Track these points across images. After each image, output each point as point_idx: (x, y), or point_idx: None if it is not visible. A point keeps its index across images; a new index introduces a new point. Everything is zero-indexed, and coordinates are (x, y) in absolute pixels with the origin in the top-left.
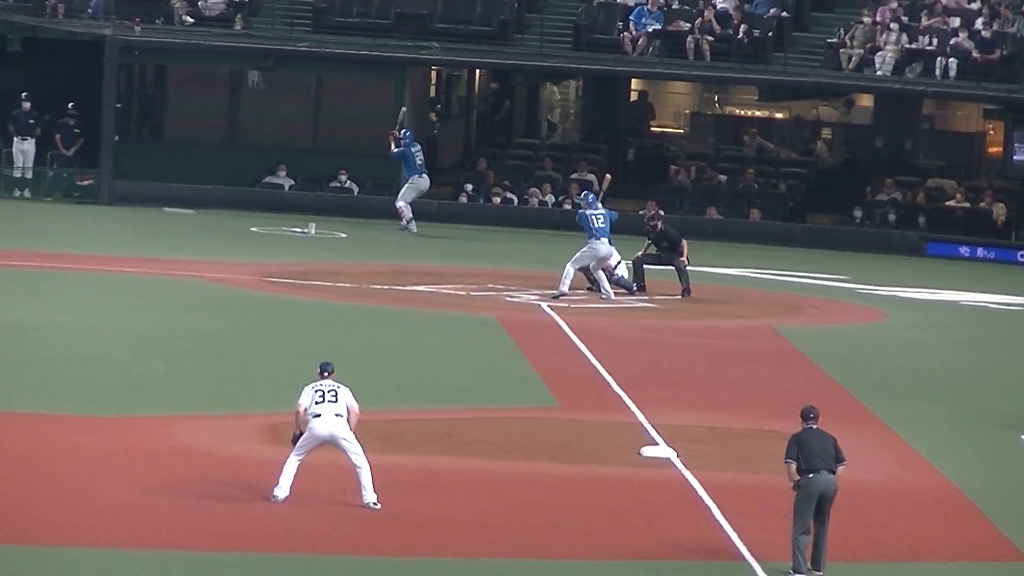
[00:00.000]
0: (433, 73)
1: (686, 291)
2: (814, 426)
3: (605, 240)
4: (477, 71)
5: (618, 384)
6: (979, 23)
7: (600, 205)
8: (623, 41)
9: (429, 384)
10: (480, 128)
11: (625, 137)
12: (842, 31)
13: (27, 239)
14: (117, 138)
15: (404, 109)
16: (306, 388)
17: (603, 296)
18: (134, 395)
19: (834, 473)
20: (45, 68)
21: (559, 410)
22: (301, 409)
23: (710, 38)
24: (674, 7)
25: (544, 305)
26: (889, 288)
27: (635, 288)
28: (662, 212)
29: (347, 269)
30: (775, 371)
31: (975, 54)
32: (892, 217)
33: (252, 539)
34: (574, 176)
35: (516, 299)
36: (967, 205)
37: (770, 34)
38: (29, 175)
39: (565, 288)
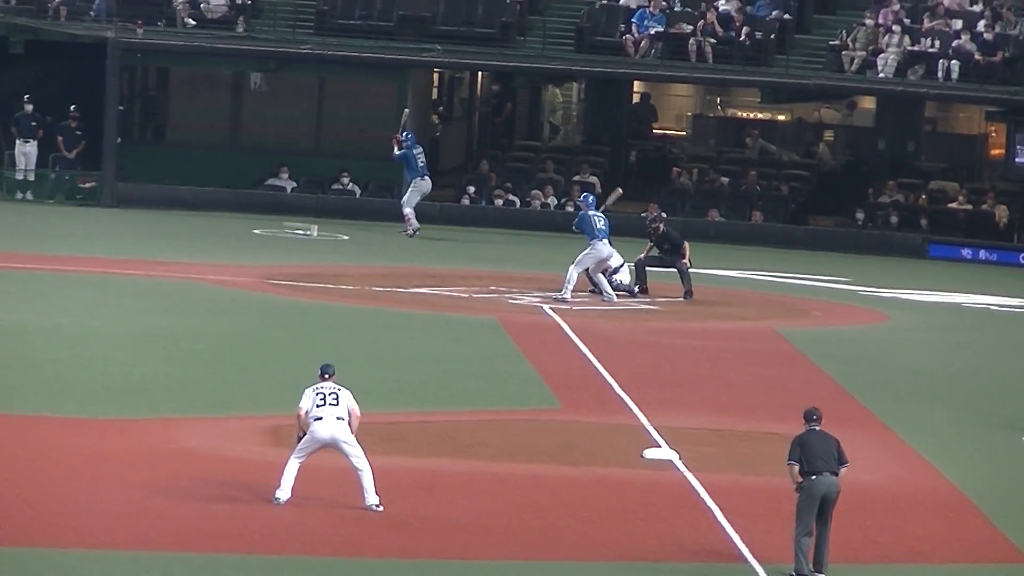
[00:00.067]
0: (435, 75)
1: (688, 293)
2: (817, 428)
3: (606, 241)
4: (479, 73)
5: (620, 386)
6: (981, 25)
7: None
8: (625, 43)
9: (431, 386)
10: (482, 130)
11: (627, 139)
12: (844, 33)
13: (29, 241)
14: (119, 140)
15: (407, 111)
16: (307, 390)
17: (605, 298)
18: (135, 397)
19: (837, 475)
20: (47, 70)
21: (561, 412)
22: (302, 412)
23: (712, 40)
24: (676, 9)
25: (546, 307)
26: (891, 290)
27: (637, 290)
28: (664, 214)
29: (349, 271)
30: (777, 373)
31: (977, 56)
32: (894, 219)
33: (253, 541)
34: (576, 178)
35: (518, 301)
36: (969, 207)
37: (772, 36)
38: (31, 177)
39: (568, 295)
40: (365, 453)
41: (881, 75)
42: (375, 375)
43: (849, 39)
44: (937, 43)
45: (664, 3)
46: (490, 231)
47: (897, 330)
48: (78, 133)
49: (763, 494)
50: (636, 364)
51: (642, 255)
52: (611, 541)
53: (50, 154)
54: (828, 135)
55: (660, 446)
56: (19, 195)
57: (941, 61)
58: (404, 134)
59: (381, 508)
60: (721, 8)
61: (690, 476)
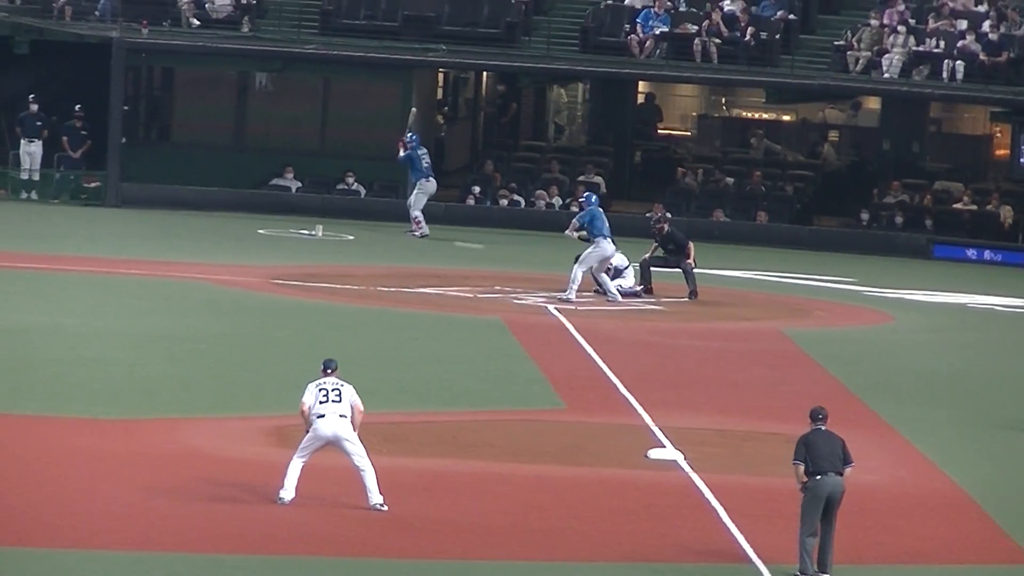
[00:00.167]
0: (440, 75)
1: (693, 293)
2: (823, 427)
3: (610, 239)
4: (484, 73)
5: (625, 386)
6: (986, 26)
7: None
8: (630, 43)
9: (435, 386)
10: (487, 130)
11: (632, 139)
12: (849, 33)
13: (33, 241)
14: (124, 140)
15: (414, 111)
16: (310, 385)
17: (609, 298)
18: (138, 397)
19: (841, 475)
20: (52, 70)
21: (565, 412)
22: (306, 407)
23: (717, 40)
24: (681, 10)
25: (551, 307)
26: (896, 290)
27: (642, 291)
28: (669, 214)
29: (354, 271)
30: (781, 374)
31: (982, 57)
32: (899, 219)
33: (257, 541)
34: (581, 178)
35: (523, 301)
36: (974, 208)
37: (777, 36)
38: (36, 177)
39: (573, 295)
40: (368, 452)
41: (886, 75)
42: (379, 375)
43: (854, 39)
44: (942, 43)
45: (669, 3)
46: (495, 231)
47: (901, 331)
48: (83, 133)
49: (767, 494)
50: (641, 364)
51: (647, 255)
52: (615, 542)
53: (55, 154)
54: (833, 135)
55: (665, 446)
56: (24, 195)
57: (946, 61)
58: (409, 135)
59: (386, 507)
60: (726, 8)
61: (695, 476)
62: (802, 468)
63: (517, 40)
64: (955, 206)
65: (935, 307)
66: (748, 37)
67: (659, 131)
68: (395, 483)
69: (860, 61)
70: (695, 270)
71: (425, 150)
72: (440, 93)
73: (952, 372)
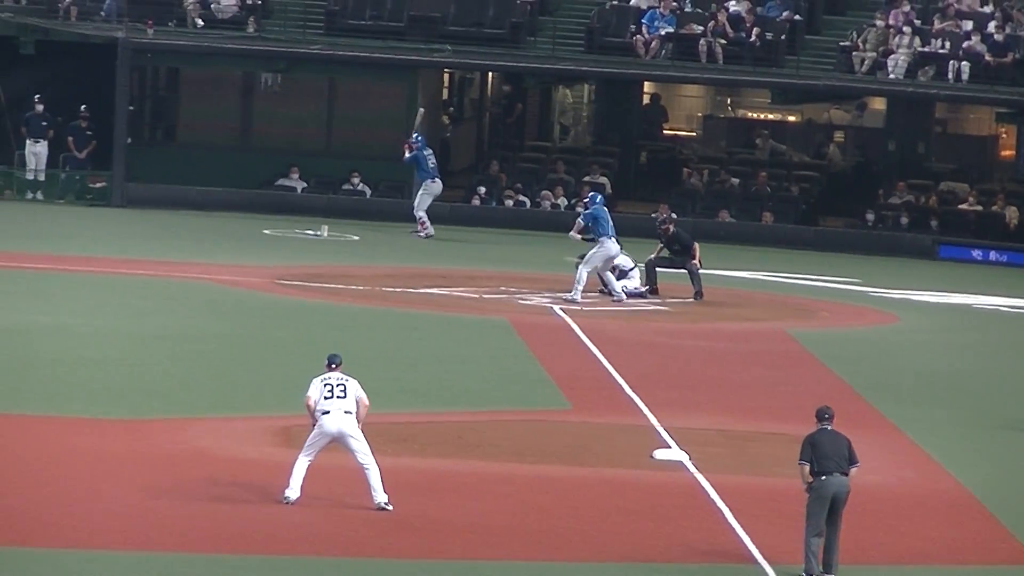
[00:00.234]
0: (445, 76)
1: (698, 294)
2: (829, 427)
3: (615, 239)
4: (489, 74)
5: (630, 387)
6: (992, 26)
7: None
8: (635, 44)
9: (439, 386)
10: (492, 131)
11: (637, 140)
12: (855, 34)
13: (37, 241)
14: (129, 141)
15: (422, 111)
16: (314, 380)
17: (615, 298)
18: (142, 397)
19: (847, 475)
20: (58, 70)
21: (570, 413)
22: (311, 402)
23: (723, 41)
24: (686, 10)
25: (556, 308)
26: (901, 291)
27: (647, 291)
28: (674, 215)
29: (359, 272)
30: (786, 374)
31: (988, 57)
32: (904, 220)
33: (262, 541)
34: (586, 179)
35: (528, 302)
36: (979, 208)
37: (783, 37)
38: (41, 177)
39: (578, 295)
40: (372, 451)
41: (891, 76)
42: (384, 375)
43: (859, 40)
44: (947, 44)
45: (674, 4)
46: (500, 232)
47: (906, 331)
48: (88, 133)
49: (772, 495)
50: (646, 365)
51: (652, 256)
52: (620, 542)
53: (60, 154)
54: (838, 136)
55: (670, 447)
56: (29, 195)
57: (951, 62)
58: (415, 136)
59: (391, 507)
60: (731, 9)
61: (700, 477)
62: (808, 468)
63: (522, 41)
64: (960, 207)
65: (940, 308)
66: (753, 38)
67: (664, 132)
68: (399, 483)
69: (865, 62)
70: (700, 271)
71: (431, 151)
72: (445, 94)
73: (958, 373)
